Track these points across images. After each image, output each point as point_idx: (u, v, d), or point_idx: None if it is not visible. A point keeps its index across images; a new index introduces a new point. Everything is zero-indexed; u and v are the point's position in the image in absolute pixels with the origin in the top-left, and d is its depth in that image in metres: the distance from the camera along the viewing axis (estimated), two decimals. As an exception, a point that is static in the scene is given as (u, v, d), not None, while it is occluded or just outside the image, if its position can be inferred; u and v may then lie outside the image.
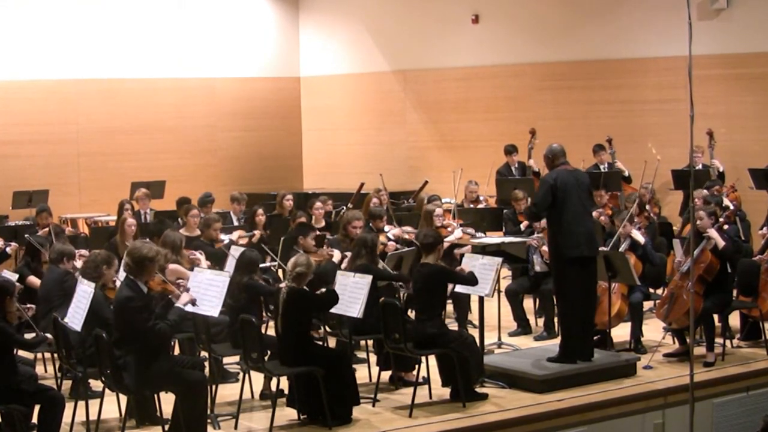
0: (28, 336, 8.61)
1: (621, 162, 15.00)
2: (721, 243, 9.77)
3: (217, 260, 10.62)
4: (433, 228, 11.30)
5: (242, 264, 9.24)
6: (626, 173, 14.76)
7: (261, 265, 10.55)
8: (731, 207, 11.72)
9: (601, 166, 14.99)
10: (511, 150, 15.70)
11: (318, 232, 11.18)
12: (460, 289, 9.56)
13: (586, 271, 9.32)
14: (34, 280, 10.26)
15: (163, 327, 7.66)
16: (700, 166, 14.15)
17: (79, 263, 9.60)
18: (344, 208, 13.67)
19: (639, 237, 10.51)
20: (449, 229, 11.72)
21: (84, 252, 10.45)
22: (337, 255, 10.52)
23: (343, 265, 10.11)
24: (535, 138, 15.52)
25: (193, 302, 8.04)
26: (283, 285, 8.44)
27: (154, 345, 7.64)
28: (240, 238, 11.94)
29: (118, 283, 8.76)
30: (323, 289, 8.44)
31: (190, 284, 8.45)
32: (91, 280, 8.49)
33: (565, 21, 16.86)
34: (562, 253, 9.25)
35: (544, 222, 10.85)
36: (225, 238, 11.55)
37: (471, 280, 9.17)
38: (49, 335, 8.37)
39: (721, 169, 14.25)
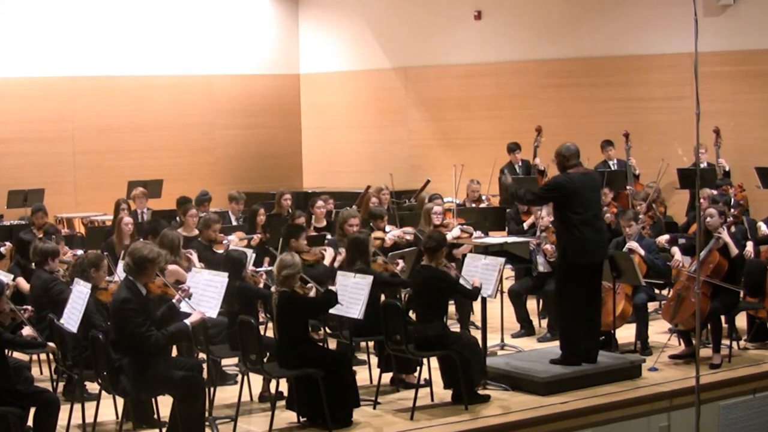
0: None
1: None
2: (735, 251, 9.65)
3: (214, 264, 10.27)
4: (431, 226, 11.21)
5: (229, 268, 8.87)
6: (636, 171, 14.52)
7: (261, 269, 10.40)
8: (732, 207, 11.57)
9: (610, 162, 14.82)
10: (513, 147, 15.48)
11: (312, 232, 11.00)
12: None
13: (594, 274, 9.20)
14: (22, 283, 10.10)
15: (156, 337, 7.48)
16: (705, 165, 14.00)
17: (68, 256, 9.44)
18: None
19: (639, 249, 10.37)
20: (448, 227, 11.62)
21: (79, 252, 10.32)
22: (329, 256, 10.22)
23: (336, 265, 9.95)
24: (541, 136, 15.21)
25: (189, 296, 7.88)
26: (273, 289, 8.28)
27: (146, 351, 7.49)
28: (240, 240, 11.75)
29: (111, 285, 8.66)
30: (321, 290, 8.27)
31: (188, 284, 8.33)
32: (81, 283, 8.36)
33: (568, 17, 16.75)
34: (572, 259, 9.07)
35: (546, 221, 10.75)
36: (226, 240, 11.34)
37: (472, 294, 9.03)
38: (51, 344, 8.19)
39: (726, 168, 14.11)
